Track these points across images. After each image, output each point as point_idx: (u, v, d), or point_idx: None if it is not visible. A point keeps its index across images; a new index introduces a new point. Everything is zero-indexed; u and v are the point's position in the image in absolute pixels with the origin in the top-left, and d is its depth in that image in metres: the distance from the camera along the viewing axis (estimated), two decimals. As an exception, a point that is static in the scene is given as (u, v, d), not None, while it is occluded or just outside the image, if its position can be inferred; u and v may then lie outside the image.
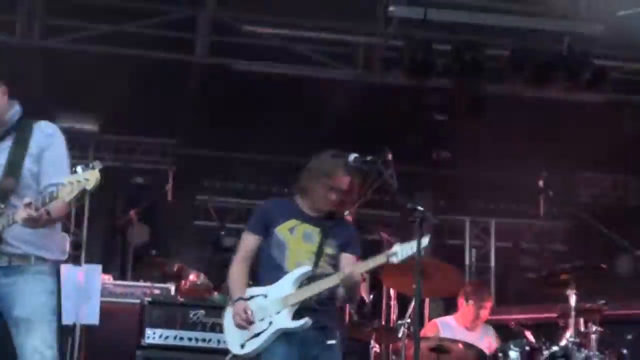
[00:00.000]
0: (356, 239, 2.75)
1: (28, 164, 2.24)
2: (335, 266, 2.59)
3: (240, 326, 2.53)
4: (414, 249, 2.38)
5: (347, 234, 2.73)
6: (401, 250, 2.43)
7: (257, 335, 2.58)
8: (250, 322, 2.48)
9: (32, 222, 2.01)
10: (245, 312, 2.46)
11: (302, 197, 2.64)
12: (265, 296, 2.60)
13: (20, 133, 2.33)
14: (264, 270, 2.70)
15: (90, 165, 1.96)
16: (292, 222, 2.63)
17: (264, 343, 2.56)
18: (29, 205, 1.95)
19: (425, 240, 2.35)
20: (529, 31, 4.45)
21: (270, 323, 2.57)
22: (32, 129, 2.33)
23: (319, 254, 2.60)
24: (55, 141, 2.32)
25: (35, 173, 2.25)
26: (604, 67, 4.64)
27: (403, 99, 5.04)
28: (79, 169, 1.94)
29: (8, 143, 2.28)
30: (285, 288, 2.57)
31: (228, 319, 2.65)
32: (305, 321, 2.48)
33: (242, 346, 2.63)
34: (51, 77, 5.01)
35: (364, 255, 2.61)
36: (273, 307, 2.57)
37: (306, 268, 2.53)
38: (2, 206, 2.15)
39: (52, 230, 2.26)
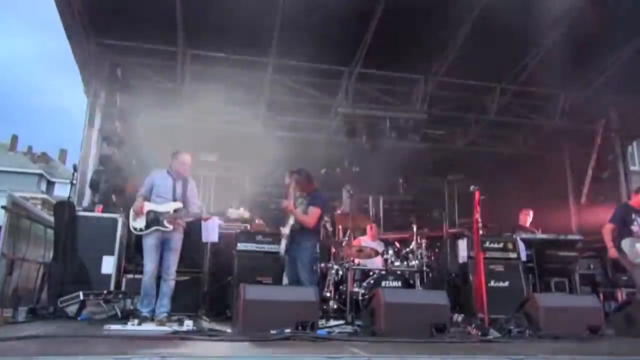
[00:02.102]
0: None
1: (187, 193, 5.72)
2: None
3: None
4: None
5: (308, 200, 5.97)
6: None
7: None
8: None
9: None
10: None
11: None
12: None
13: (185, 180, 5.75)
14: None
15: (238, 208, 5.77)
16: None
17: (286, 246, 5.92)
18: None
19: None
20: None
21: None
22: (187, 179, 5.79)
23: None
24: (194, 187, 5.87)
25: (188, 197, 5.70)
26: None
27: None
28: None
29: (180, 183, 5.72)
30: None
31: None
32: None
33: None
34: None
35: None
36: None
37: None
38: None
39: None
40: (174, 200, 5.58)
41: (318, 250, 6.00)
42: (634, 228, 6.35)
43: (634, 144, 14.61)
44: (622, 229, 6.39)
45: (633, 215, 6.44)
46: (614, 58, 7.96)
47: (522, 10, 6.29)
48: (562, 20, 7.16)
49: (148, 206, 5.50)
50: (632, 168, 10.37)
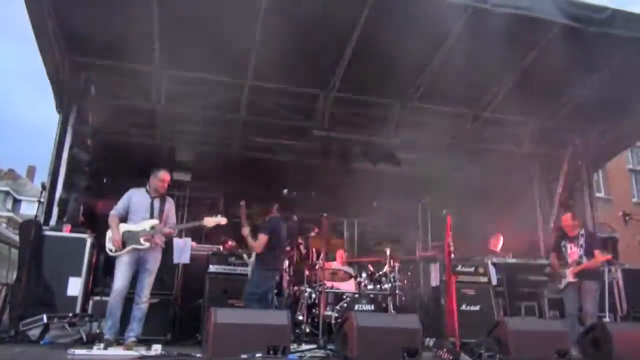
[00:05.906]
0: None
1: (165, 212, 5.66)
2: None
3: None
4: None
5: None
6: None
7: None
8: None
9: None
10: None
11: None
12: None
13: (163, 198, 5.73)
14: None
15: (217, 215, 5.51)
16: None
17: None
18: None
19: None
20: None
21: None
22: (166, 198, 5.80)
23: None
24: (172, 205, 5.82)
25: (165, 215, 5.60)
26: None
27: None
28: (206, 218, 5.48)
29: (158, 201, 5.69)
30: None
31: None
32: None
33: None
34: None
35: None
36: None
37: None
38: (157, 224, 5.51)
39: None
40: (152, 218, 5.47)
41: (266, 278, 5.98)
42: (565, 254, 6.55)
43: (599, 171, 15.11)
44: (560, 256, 6.59)
45: (563, 242, 6.64)
46: (580, 89, 8.25)
47: (493, 41, 6.50)
48: (529, 53, 7.43)
49: (123, 227, 5.41)
50: (597, 195, 10.68)
